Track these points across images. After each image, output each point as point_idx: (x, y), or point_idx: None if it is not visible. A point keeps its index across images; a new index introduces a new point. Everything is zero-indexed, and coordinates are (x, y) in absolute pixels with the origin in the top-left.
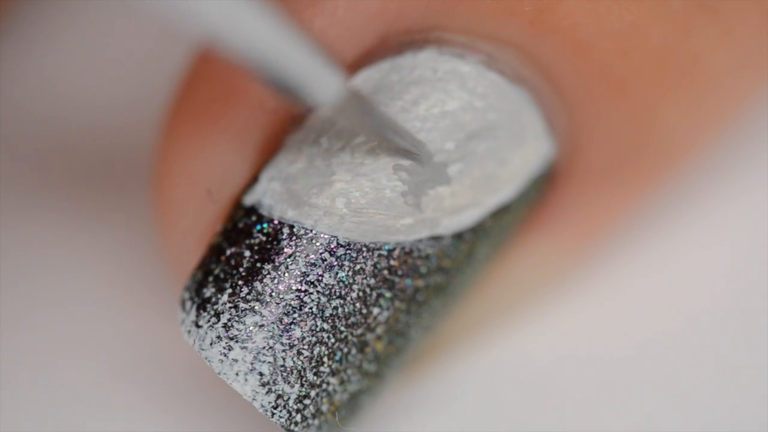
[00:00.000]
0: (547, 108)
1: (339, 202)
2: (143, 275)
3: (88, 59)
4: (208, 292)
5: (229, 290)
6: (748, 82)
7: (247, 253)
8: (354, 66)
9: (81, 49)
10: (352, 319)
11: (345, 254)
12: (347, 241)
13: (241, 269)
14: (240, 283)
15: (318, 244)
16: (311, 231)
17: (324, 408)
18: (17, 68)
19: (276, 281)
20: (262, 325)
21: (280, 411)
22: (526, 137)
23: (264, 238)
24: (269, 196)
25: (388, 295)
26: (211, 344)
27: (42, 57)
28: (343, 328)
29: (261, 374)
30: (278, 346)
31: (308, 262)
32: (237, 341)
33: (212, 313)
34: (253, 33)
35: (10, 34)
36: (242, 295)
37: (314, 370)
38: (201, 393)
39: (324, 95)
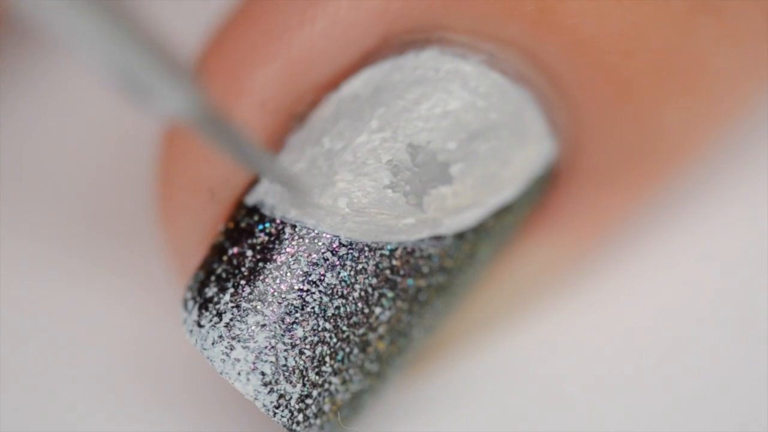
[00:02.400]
0: (549, 108)
1: (341, 202)
2: (145, 275)
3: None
4: (211, 291)
5: (232, 290)
6: (751, 82)
7: (250, 253)
8: (356, 65)
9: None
10: (354, 318)
11: (347, 254)
12: (349, 240)
13: (243, 269)
14: (242, 282)
15: (320, 243)
16: (313, 230)
17: (326, 408)
18: (19, 66)
19: (278, 281)
20: (264, 325)
21: (282, 411)
22: (528, 137)
23: (266, 238)
24: (271, 195)
25: (390, 294)
26: (213, 344)
27: (42, 53)
28: (345, 328)
29: (263, 374)
30: (280, 346)
31: (310, 262)
32: (239, 341)
33: (214, 312)
34: (98, 36)
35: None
36: (244, 294)
37: (316, 369)
38: (203, 392)
39: (174, 107)
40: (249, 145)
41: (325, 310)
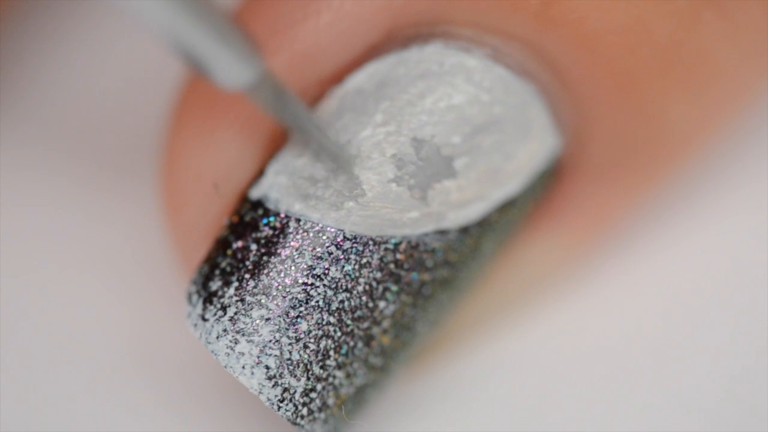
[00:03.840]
0: (553, 102)
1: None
2: (150, 269)
3: (95, 55)
4: (215, 285)
5: (236, 284)
6: (754, 76)
7: (254, 247)
8: (361, 59)
9: (88, 45)
10: (359, 312)
11: (351, 248)
12: (354, 234)
13: (247, 263)
14: (246, 276)
15: (324, 237)
16: (318, 224)
17: (330, 401)
18: (22, 67)
19: (282, 275)
20: (268, 319)
21: (287, 404)
22: (532, 131)
23: (271, 232)
24: (276, 189)
25: (394, 288)
26: (217, 337)
27: (48, 54)
28: (349, 322)
29: (267, 367)
30: (285, 340)
31: (315, 256)
32: (243, 334)
33: (219, 306)
34: (164, 8)
35: (11, 35)
36: (249, 288)
37: (320, 363)
38: (207, 386)
39: (236, 76)
40: (303, 114)
41: (329, 304)
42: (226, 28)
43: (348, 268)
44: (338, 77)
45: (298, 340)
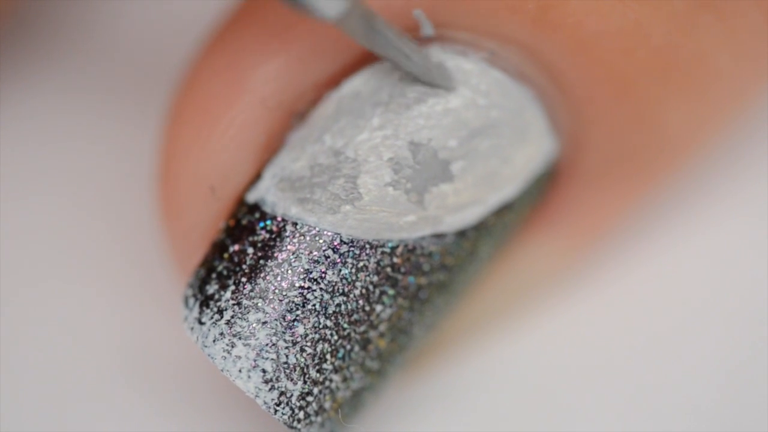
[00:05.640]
0: (550, 106)
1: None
2: (146, 272)
3: (93, 58)
4: (212, 289)
5: (233, 287)
6: (751, 80)
7: (251, 250)
8: (357, 63)
9: (85, 48)
10: (355, 316)
11: (348, 251)
12: (350, 238)
13: (244, 266)
14: (243, 280)
15: (321, 241)
16: (314, 228)
17: (327, 405)
18: (20, 72)
19: (279, 278)
20: (265, 322)
21: (283, 408)
22: (529, 135)
23: (267, 235)
24: (272, 193)
25: (391, 292)
26: (214, 341)
27: (44, 56)
28: (346, 326)
29: (264, 371)
30: (281, 343)
31: (311, 259)
32: (240, 338)
33: (215, 309)
34: None
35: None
36: (245, 292)
37: (317, 367)
38: (204, 390)
39: (329, 6)
40: (395, 41)
41: (326, 308)
42: None
43: (345, 271)
44: (335, 81)
45: (294, 343)
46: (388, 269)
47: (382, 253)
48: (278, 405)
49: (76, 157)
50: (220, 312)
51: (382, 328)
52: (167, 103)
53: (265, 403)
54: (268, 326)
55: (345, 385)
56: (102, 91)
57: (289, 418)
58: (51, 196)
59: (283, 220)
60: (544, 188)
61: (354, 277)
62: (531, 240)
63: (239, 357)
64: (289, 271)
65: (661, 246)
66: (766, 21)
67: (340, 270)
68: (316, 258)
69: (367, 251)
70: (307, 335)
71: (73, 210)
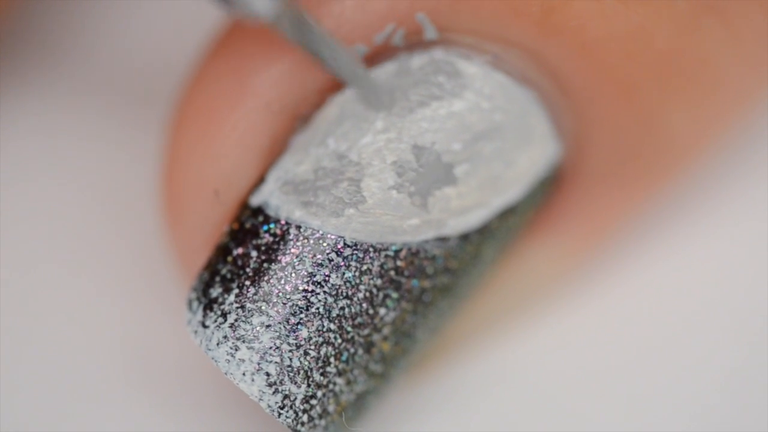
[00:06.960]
0: (554, 109)
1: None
2: (150, 275)
3: (97, 61)
4: (215, 292)
5: (236, 290)
6: (754, 83)
7: (254, 254)
8: None
9: (89, 51)
10: (359, 319)
11: (352, 254)
12: (354, 241)
13: (248, 269)
14: (247, 283)
15: (325, 244)
16: (318, 231)
17: (330, 408)
18: (18, 79)
19: (283, 281)
20: (269, 326)
21: (287, 411)
22: (532, 138)
23: (271, 239)
24: (276, 196)
25: (394, 295)
26: (217, 344)
27: (49, 60)
28: (349, 329)
29: (268, 374)
30: (285, 347)
31: (315, 263)
32: (244, 341)
33: (219, 313)
34: None
35: None
36: (249, 295)
37: (321, 370)
38: (207, 393)
39: (262, 6)
40: (326, 43)
41: (329, 311)
42: None
43: (348, 275)
44: (338, 85)
45: (298, 347)
46: (392, 272)
47: (386, 256)
48: (282, 408)
49: (80, 160)
50: (224, 315)
51: (386, 331)
52: (171, 107)
53: (269, 406)
54: (272, 329)
55: (349, 389)
56: (107, 95)
57: (292, 421)
58: (55, 200)
59: (287, 223)
60: (548, 191)
61: (358, 281)
62: (535, 243)
63: (243, 360)
64: (293, 275)
65: (664, 249)
66: None
67: (344, 273)
68: (319, 261)
69: (371, 254)
70: (310, 338)
71: (77, 213)
